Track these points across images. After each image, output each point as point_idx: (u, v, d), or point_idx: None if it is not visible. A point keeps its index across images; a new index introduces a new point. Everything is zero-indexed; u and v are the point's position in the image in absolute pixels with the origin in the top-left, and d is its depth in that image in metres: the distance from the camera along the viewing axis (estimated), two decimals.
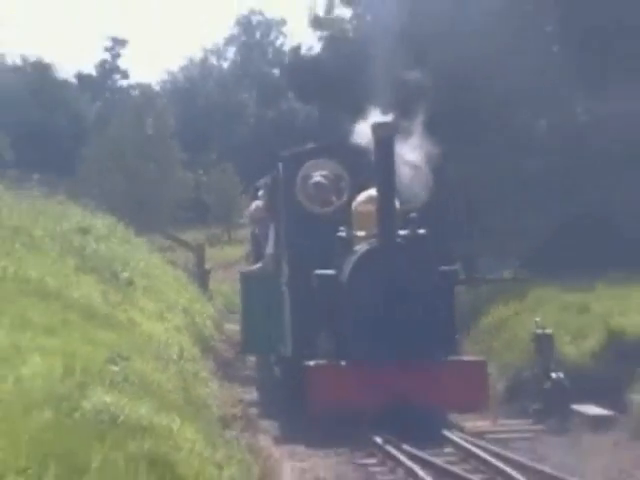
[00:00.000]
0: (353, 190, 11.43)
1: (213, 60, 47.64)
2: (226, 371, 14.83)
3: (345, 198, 11.47)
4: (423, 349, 9.91)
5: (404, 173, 10.74)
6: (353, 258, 10.28)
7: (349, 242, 10.61)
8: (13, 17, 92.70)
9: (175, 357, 10.52)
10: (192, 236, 28.24)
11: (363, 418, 9.50)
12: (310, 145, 12.94)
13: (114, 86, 42.84)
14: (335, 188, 11.47)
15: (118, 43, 41.48)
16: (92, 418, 5.75)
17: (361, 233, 10.74)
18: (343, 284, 10.18)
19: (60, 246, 13.12)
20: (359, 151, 10.98)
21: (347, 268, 10.23)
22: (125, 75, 42.32)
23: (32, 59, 43.54)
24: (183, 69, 47.00)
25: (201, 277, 21.69)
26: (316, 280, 10.22)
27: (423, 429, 9.28)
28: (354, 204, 11.22)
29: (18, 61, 44.44)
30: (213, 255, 25.12)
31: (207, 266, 23.16)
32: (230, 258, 25.02)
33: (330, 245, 10.54)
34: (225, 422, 9.99)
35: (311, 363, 10.00)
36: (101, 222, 18.21)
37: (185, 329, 14.09)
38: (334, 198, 11.50)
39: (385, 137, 10.39)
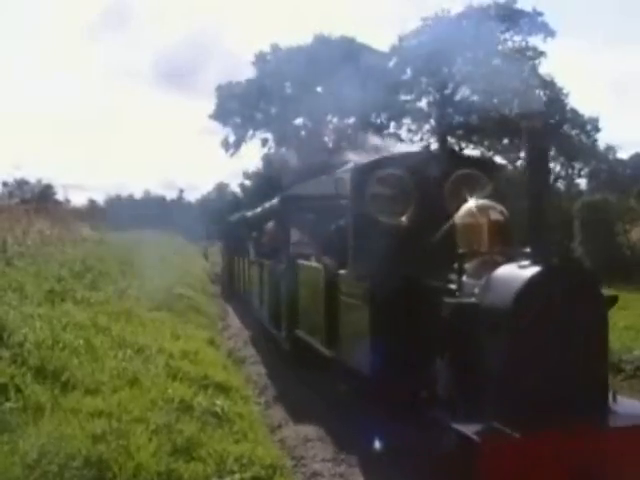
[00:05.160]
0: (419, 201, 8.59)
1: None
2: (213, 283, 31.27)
3: (411, 210, 8.69)
4: (599, 406, 5.76)
5: None
6: (516, 284, 5.76)
7: (462, 260, 6.93)
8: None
9: (200, 277, 26.13)
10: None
11: None
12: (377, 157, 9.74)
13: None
14: (401, 200, 8.82)
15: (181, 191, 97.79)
16: (177, 296, 17.38)
17: (464, 249, 7.27)
18: (503, 313, 5.71)
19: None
20: (426, 161, 8.64)
21: (506, 295, 5.79)
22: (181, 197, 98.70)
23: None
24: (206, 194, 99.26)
25: (205, 256, 46.83)
26: (447, 309, 6.38)
27: None
28: (456, 219, 7.56)
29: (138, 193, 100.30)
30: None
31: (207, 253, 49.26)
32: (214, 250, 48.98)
33: (408, 257, 7.77)
34: (214, 296, 24.46)
35: (478, 437, 5.17)
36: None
37: (202, 270, 32.10)
38: (401, 210, 8.80)
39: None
